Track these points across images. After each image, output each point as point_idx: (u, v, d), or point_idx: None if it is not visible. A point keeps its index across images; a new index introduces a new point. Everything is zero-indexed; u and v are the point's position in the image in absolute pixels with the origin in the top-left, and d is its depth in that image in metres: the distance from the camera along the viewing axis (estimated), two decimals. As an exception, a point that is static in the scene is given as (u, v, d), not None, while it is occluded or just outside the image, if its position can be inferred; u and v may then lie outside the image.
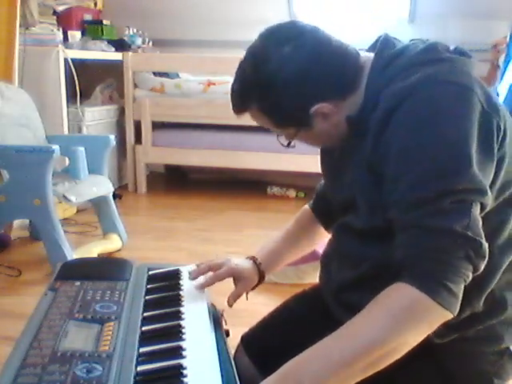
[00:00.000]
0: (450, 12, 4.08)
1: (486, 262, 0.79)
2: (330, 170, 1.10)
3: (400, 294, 0.78)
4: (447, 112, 0.81)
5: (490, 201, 0.81)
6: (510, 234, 0.90)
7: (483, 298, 0.89)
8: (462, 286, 0.78)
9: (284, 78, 0.88)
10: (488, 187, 0.81)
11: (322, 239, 1.24)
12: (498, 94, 3.07)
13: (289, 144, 1.00)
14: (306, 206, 1.24)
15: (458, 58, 0.90)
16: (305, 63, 0.88)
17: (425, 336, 0.78)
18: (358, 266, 0.95)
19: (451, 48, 0.94)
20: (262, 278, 1.14)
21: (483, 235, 0.79)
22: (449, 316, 0.77)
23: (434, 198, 0.78)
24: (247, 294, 1.14)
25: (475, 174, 0.79)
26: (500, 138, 0.84)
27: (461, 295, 0.78)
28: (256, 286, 1.15)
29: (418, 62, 0.88)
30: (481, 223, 0.79)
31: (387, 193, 0.84)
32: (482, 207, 0.81)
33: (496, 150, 0.83)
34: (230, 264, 1.10)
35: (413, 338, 0.77)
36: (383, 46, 0.94)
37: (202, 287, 1.06)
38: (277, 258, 1.19)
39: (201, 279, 1.08)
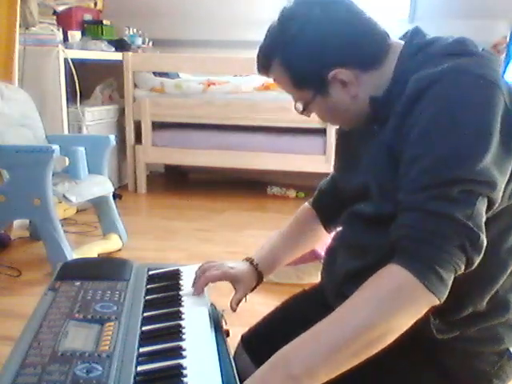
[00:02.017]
0: (449, 12, 4.08)
1: (480, 257, 0.78)
2: (345, 156, 1.08)
3: (389, 276, 0.78)
4: (472, 102, 0.82)
5: (498, 197, 0.81)
6: None
7: (486, 298, 0.89)
8: (452, 275, 0.77)
9: (307, 37, 0.91)
10: (499, 182, 0.80)
11: (321, 240, 1.24)
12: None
13: (304, 110, 0.99)
14: (306, 204, 1.23)
15: (486, 54, 0.91)
16: (330, 26, 0.91)
17: (413, 321, 0.77)
18: (366, 255, 0.93)
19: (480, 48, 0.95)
20: (260, 278, 1.14)
21: (484, 229, 0.78)
22: (435, 301, 0.77)
23: (442, 184, 0.78)
24: (246, 295, 1.14)
25: (489, 167, 0.78)
26: None
27: (450, 283, 0.77)
28: (255, 287, 1.15)
29: (449, 52, 0.89)
30: (484, 218, 0.79)
31: (401, 175, 0.83)
32: (490, 202, 0.80)
33: None
34: (224, 268, 1.11)
35: (401, 322, 0.77)
36: (414, 34, 0.96)
37: (197, 291, 1.06)
38: (275, 259, 1.18)
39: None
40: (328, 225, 1.19)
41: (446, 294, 0.78)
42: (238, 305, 1.09)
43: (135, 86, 4.00)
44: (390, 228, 0.83)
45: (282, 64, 0.95)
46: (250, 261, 1.15)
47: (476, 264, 0.79)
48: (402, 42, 0.96)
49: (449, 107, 0.82)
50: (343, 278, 0.99)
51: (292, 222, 1.23)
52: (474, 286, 0.80)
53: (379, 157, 0.90)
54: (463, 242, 0.77)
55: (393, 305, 0.76)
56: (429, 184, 0.79)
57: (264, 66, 0.98)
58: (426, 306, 0.78)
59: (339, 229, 1.10)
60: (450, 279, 0.77)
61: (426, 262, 0.76)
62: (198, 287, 1.07)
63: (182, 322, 0.94)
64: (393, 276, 0.78)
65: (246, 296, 1.13)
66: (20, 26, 3.01)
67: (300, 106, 0.99)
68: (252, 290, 1.15)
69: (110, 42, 3.98)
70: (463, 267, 0.78)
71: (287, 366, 0.75)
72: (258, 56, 0.98)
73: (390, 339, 0.77)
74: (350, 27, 0.93)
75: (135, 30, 4.27)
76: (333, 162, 1.16)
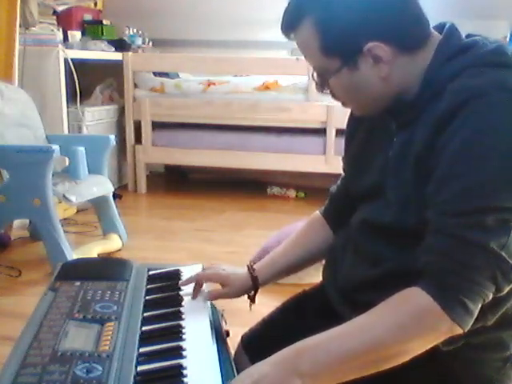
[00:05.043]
0: (449, 12, 4.08)
1: (510, 286, 0.77)
2: (355, 153, 1.02)
3: (413, 300, 0.77)
4: None
5: None
6: None
7: (498, 315, 0.87)
8: (480, 305, 0.77)
9: None
10: None
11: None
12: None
13: (323, 84, 0.90)
14: (317, 213, 1.17)
15: None
16: None
17: (430, 346, 0.77)
18: (381, 264, 0.91)
19: None
20: (255, 284, 1.11)
21: None
22: (458, 331, 0.77)
23: (477, 211, 0.75)
24: (250, 304, 1.13)
25: None
26: None
27: (476, 313, 0.77)
28: (254, 293, 1.12)
29: (488, 63, 0.82)
30: None
31: (432, 191, 0.80)
32: None
33: None
34: (217, 269, 1.11)
35: (417, 347, 0.77)
36: (450, 33, 0.89)
37: (193, 295, 1.06)
38: (277, 267, 1.16)
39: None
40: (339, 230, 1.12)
41: (471, 323, 0.77)
42: (210, 298, 1.05)
43: (135, 85, 4.00)
44: (418, 249, 0.80)
45: (316, 24, 0.84)
46: (249, 266, 1.13)
47: (505, 292, 0.78)
48: (439, 35, 0.89)
49: (490, 129, 0.77)
50: (352, 284, 0.96)
51: (301, 230, 1.18)
52: (488, 305, 0.79)
53: (403, 166, 0.85)
54: (495, 273, 0.75)
55: (413, 330, 0.76)
56: (463, 209, 0.76)
57: (292, 23, 0.87)
58: (448, 335, 0.78)
59: (344, 229, 1.06)
60: (476, 309, 0.76)
61: (453, 293, 0.75)
62: (194, 292, 1.06)
63: (182, 322, 0.94)
64: (417, 300, 0.77)
65: (250, 304, 1.13)
66: (20, 26, 3.01)
67: (318, 78, 0.90)
68: (252, 297, 1.13)
69: (110, 42, 3.98)
70: (491, 296, 0.77)
71: (296, 364, 0.76)
72: (288, 10, 0.87)
73: (402, 360, 0.77)
74: (403, 1, 0.85)
75: (135, 30, 4.27)
76: (341, 162, 1.10)
